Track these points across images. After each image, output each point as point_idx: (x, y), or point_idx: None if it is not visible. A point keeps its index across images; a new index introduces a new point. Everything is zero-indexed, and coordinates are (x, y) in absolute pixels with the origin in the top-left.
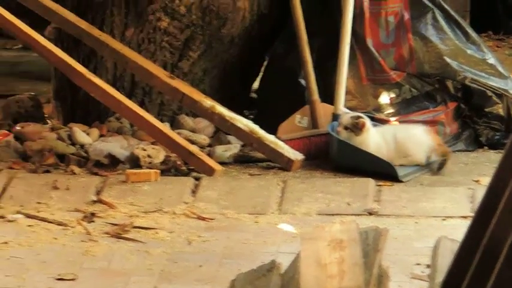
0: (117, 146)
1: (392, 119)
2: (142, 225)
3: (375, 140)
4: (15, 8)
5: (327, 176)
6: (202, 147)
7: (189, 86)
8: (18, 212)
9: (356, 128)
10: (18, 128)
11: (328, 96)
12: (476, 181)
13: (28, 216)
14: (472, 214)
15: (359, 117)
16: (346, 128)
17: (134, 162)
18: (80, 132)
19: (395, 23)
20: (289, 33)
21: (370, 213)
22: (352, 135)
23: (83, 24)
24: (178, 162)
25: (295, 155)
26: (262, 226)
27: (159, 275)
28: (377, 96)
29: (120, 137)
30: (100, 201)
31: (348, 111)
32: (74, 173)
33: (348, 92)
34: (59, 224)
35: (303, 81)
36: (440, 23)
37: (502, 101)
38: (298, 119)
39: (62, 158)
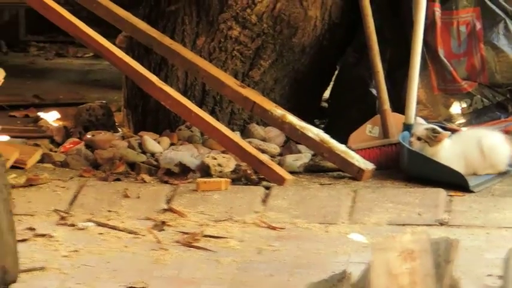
0: (188, 155)
1: (463, 129)
2: (213, 234)
3: (449, 150)
4: (87, 16)
5: (398, 186)
6: (272, 156)
7: (260, 95)
8: (89, 220)
9: (432, 139)
10: (89, 136)
11: (399, 105)
12: None
13: (99, 224)
14: None
15: (434, 129)
16: (419, 138)
17: (204, 171)
18: (150, 141)
19: (467, 33)
20: (360, 43)
21: (441, 224)
22: (425, 145)
23: (154, 32)
24: (249, 171)
25: (366, 165)
26: (332, 236)
27: (229, 284)
28: (448, 106)
29: (191, 146)
30: (170, 210)
31: (422, 121)
32: (145, 182)
33: (419, 102)
34: (130, 232)
35: (374, 91)
36: None
37: None
38: (369, 129)
39: (133, 166)
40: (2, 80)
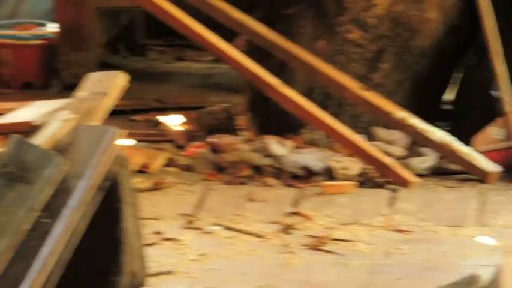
0: (312, 158)
1: None
2: (340, 237)
3: None
4: (206, 20)
5: None
6: (397, 159)
7: (382, 98)
8: (215, 224)
9: None
10: (212, 139)
11: None
12: None
13: (225, 227)
14: None
15: None
16: None
17: (329, 174)
18: (274, 144)
19: None
20: (482, 45)
21: None
22: None
23: (272, 36)
24: (374, 174)
25: (492, 167)
26: (460, 239)
27: (359, 287)
28: None
29: (315, 149)
30: (296, 213)
31: None
32: (269, 185)
33: None
34: (256, 235)
35: (496, 93)
36: None
37: None
38: (494, 131)
39: (257, 169)
40: (126, 85)
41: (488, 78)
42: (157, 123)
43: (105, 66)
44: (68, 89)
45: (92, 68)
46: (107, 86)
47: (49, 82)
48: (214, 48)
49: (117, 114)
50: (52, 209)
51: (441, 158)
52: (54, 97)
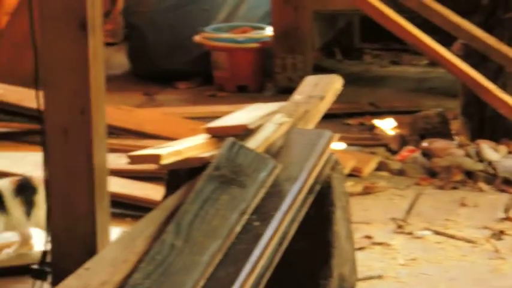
0: None
1: None
2: None
3: None
4: (422, 24)
5: None
6: None
7: None
8: (426, 229)
9: None
10: (425, 144)
11: None
12: None
13: (436, 232)
14: None
15: None
16: None
17: None
18: (487, 149)
19: None
20: None
21: None
22: None
23: (490, 40)
24: None
25: None
26: None
27: None
28: None
29: None
30: (509, 219)
31: None
32: (482, 190)
33: None
34: (467, 241)
35: None
36: None
37: None
38: None
39: (470, 174)
40: (340, 88)
41: None
42: (372, 127)
43: (319, 69)
44: (282, 92)
45: (307, 72)
46: (324, 90)
47: (263, 85)
48: (431, 51)
49: (330, 117)
50: (263, 212)
51: None
52: (268, 100)
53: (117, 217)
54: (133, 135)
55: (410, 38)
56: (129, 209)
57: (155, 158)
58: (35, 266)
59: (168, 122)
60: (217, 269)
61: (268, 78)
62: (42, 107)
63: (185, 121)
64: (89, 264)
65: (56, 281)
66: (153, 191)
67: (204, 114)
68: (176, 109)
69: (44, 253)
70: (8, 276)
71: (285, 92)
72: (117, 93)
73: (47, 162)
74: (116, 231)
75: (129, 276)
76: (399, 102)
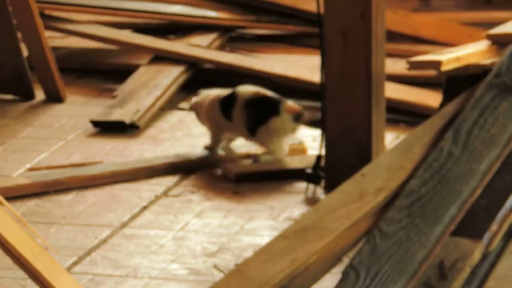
0: None
1: None
2: None
3: None
4: None
5: None
6: None
7: None
8: None
9: None
10: None
11: None
12: None
13: None
14: None
15: None
16: None
17: None
18: None
19: None
20: None
21: None
22: None
23: None
24: None
25: None
26: None
27: None
28: None
29: None
30: None
31: None
32: None
33: None
34: None
35: None
36: None
37: None
38: None
39: None
40: None
41: None
42: None
43: None
44: None
45: None
46: None
47: None
48: None
49: None
50: None
51: None
52: None
53: (391, 123)
54: (409, 40)
55: None
56: (403, 114)
57: (435, 64)
58: (309, 170)
59: (444, 27)
60: (495, 177)
61: None
62: (321, 10)
63: (462, 27)
64: (365, 169)
65: (329, 185)
66: (428, 97)
67: (481, 20)
68: (452, 14)
69: (318, 157)
70: (283, 180)
71: None
72: None
73: (325, 66)
74: (389, 137)
75: (405, 183)
76: None
